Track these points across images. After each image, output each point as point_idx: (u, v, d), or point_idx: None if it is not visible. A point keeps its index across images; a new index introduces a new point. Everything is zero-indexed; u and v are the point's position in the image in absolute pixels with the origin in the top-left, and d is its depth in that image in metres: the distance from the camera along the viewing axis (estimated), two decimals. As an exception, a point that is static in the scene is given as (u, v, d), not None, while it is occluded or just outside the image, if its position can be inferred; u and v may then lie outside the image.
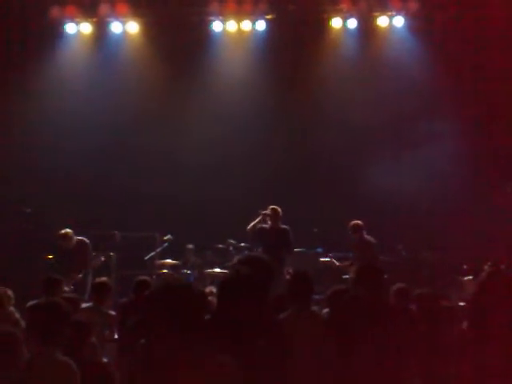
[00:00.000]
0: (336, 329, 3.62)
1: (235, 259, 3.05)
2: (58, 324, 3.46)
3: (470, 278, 8.24)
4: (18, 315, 5.28)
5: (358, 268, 3.81)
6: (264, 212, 8.34)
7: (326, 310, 5.66)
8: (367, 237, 8.40)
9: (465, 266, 8.71)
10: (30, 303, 4.42)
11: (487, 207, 9.15)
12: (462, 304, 5.75)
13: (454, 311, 4.56)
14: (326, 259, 9.10)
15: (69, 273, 7.51)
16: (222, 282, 2.99)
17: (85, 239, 8.00)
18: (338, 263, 8.88)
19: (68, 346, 3.57)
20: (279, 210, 8.33)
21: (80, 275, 7.75)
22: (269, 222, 8.35)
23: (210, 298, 4.89)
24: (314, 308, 4.38)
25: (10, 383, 3.31)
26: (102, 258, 8.46)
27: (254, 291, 2.84)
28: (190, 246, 9.85)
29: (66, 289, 6.38)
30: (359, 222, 8.40)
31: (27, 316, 3.66)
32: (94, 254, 8.19)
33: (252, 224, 8.35)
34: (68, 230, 7.93)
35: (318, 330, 3.99)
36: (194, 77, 10.48)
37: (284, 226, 8.32)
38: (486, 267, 6.73)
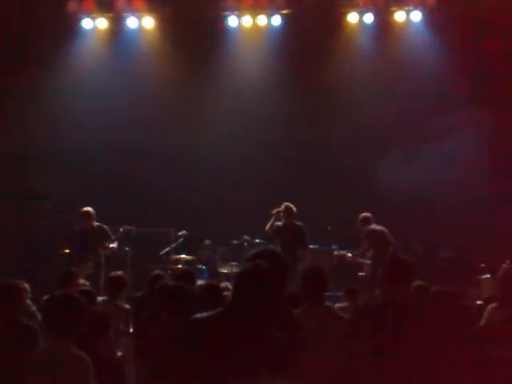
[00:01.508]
0: (358, 327, 3.60)
1: (250, 253, 3.03)
2: (74, 317, 3.48)
3: (488, 276, 8.16)
4: (34, 308, 5.32)
5: (387, 264, 3.71)
6: (277, 209, 8.36)
7: (338, 305, 5.63)
8: (377, 227, 8.37)
9: (482, 265, 8.62)
10: (47, 296, 4.45)
11: (506, 205, 9.03)
12: (479, 302, 5.70)
13: (471, 309, 4.50)
14: (341, 252, 9.06)
15: (85, 254, 7.77)
16: (240, 273, 2.98)
17: (103, 225, 8.35)
18: (350, 254, 8.84)
19: (86, 339, 3.58)
20: (292, 206, 8.34)
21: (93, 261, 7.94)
22: (282, 220, 8.35)
23: (225, 293, 4.89)
24: (328, 304, 4.36)
25: (25, 374, 3.34)
26: (121, 230, 8.67)
27: (271, 284, 2.85)
28: (208, 242, 9.87)
29: (82, 281, 6.43)
30: (368, 214, 8.42)
31: (43, 309, 3.68)
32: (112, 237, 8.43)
33: (269, 224, 8.38)
34: (90, 209, 8.27)
35: (331, 325, 3.97)
36: (210, 71, 10.46)
37: (298, 223, 8.34)
38: (504, 265, 6.64)
